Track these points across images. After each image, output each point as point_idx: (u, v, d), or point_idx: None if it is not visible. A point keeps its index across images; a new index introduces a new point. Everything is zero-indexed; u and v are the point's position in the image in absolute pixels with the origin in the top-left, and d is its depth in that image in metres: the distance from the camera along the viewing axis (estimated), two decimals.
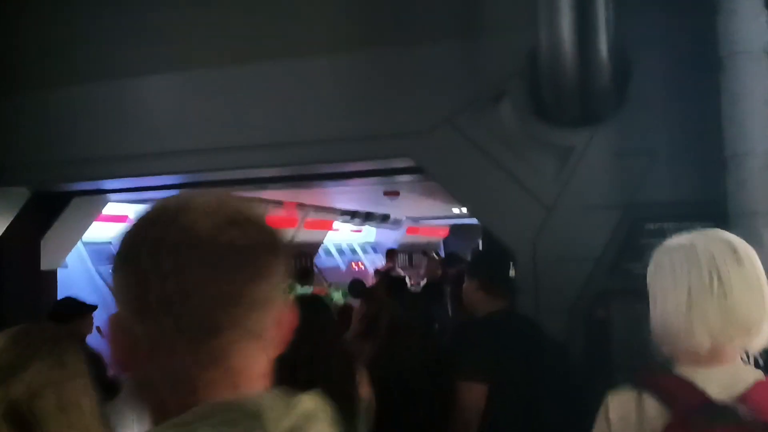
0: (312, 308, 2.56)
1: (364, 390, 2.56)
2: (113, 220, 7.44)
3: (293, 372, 2.46)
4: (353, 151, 4.03)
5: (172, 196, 0.87)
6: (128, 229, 0.84)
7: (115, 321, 0.83)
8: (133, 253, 0.81)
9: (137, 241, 0.82)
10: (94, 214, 5.81)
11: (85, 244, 7.02)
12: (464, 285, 3.16)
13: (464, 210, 11.11)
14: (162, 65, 4.31)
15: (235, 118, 4.16)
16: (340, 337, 2.81)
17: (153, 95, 4.41)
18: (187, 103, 4.28)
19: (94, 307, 4.54)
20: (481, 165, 3.75)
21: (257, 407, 0.77)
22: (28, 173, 4.73)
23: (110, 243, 7.37)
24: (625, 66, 3.39)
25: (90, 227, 6.00)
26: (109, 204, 6.47)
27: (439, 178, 3.95)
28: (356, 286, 5.94)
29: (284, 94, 4.07)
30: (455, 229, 15.47)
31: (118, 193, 5.45)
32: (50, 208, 5.36)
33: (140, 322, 0.80)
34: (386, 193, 7.87)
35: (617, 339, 3.25)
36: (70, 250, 5.87)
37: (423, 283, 7.87)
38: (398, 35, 3.90)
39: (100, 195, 5.45)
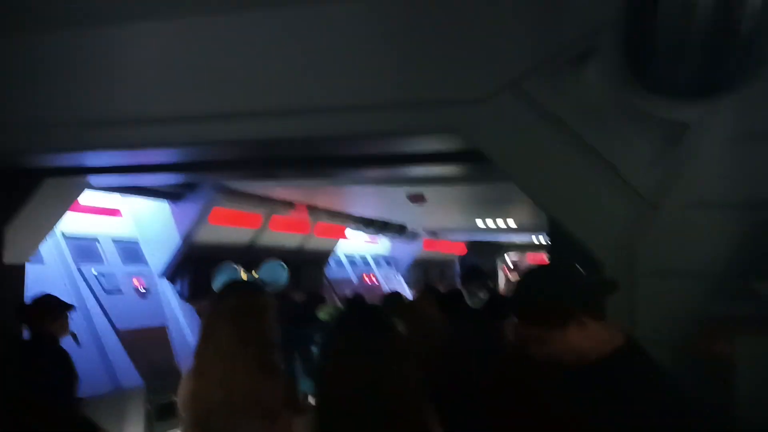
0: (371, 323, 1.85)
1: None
2: (101, 212, 6.62)
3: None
4: (382, 123, 3.12)
5: None
6: None
7: None
8: None
9: None
10: (69, 199, 4.92)
11: (67, 238, 6.15)
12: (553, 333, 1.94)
13: (490, 223, 10.20)
14: (157, 11, 3.43)
15: (238, 77, 3.27)
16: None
17: (141, 48, 3.52)
18: (181, 60, 3.39)
19: (70, 307, 4.04)
20: (556, 145, 2.86)
21: None
22: None
23: (96, 239, 6.54)
24: None
25: (67, 216, 5.11)
26: (92, 193, 5.67)
27: (498, 160, 3.04)
28: (393, 300, 4.58)
29: (300, 48, 3.18)
30: (473, 246, 14.65)
31: (97, 175, 4.56)
32: (17, 190, 4.49)
33: None
34: (411, 198, 6.96)
35: (743, 384, 2.41)
36: (42, 242, 4.97)
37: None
38: None
39: (77, 176, 4.56)
